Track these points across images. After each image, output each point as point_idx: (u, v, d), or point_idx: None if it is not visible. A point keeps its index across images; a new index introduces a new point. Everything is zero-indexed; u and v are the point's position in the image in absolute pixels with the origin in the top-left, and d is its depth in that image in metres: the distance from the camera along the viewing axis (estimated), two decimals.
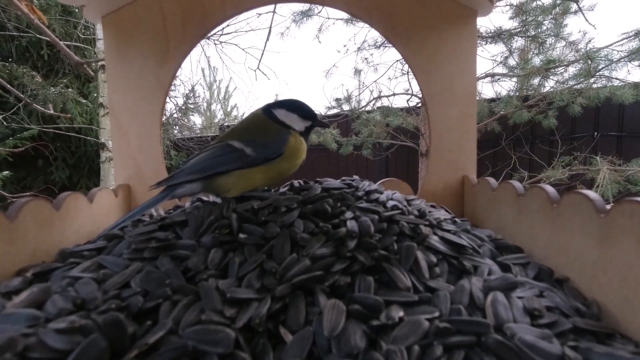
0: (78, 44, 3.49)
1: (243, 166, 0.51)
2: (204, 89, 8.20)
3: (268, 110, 0.56)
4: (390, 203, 0.49)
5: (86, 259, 0.41)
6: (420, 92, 0.77)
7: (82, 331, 0.28)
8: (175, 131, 5.13)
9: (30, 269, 0.40)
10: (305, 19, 3.50)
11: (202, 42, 3.88)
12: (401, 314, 0.31)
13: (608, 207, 0.37)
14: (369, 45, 3.62)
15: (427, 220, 0.46)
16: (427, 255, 0.40)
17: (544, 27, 3.09)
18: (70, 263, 0.41)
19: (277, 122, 0.54)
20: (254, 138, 0.52)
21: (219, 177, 0.51)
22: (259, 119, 0.55)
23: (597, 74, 2.80)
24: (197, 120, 7.78)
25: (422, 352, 0.28)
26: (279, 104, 0.56)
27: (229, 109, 8.60)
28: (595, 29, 2.97)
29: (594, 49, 2.77)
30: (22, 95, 2.53)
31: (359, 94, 3.78)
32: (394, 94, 3.63)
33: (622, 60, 2.69)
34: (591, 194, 0.39)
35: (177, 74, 0.70)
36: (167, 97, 0.71)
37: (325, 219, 0.43)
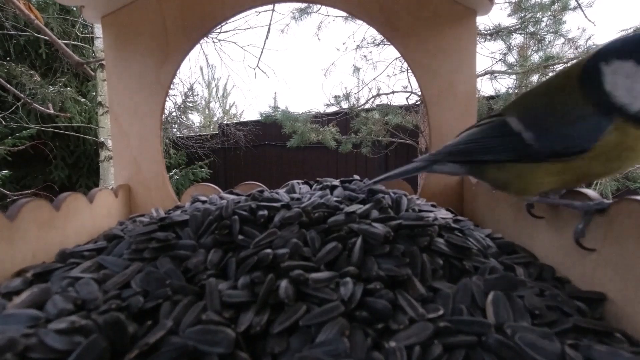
0: (76, 43, 3.47)
1: (518, 159, 0.36)
2: (202, 87, 8.19)
3: (592, 65, 0.32)
4: (394, 198, 0.49)
5: (86, 259, 0.41)
6: (419, 90, 0.77)
7: (83, 331, 0.28)
8: (174, 130, 5.12)
9: (30, 270, 0.40)
10: (304, 16, 3.49)
11: (201, 40, 3.87)
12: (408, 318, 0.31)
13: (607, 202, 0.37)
14: (367, 43, 3.62)
15: (434, 223, 0.45)
16: (433, 258, 0.40)
17: (543, 24, 3.09)
18: (70, 263, 0.41)
19: (593, 94, 0.32)
20: (543, 117, 0.35)
21: (489, 166, 0.39)
22: (567, 82, 0.34)
23: None
24: (195, 118, 7.76)
25: (423, 351, 0.29)
26: (624, 49, 0.31)
27: (227, 107, 8.59)
28: (594, 25, 2.97)
29: (594, 46, 2.77)
30: (20, 95, 2.52)
31: (358, 92, 3.78)
32: (393, 92, 3.63)
33: None
34: (590, 192, 0.39)
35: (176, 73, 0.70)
36: (167, 97, 0.71)
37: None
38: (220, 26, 3.82)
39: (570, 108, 0.33)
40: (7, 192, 2.35)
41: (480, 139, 0.39)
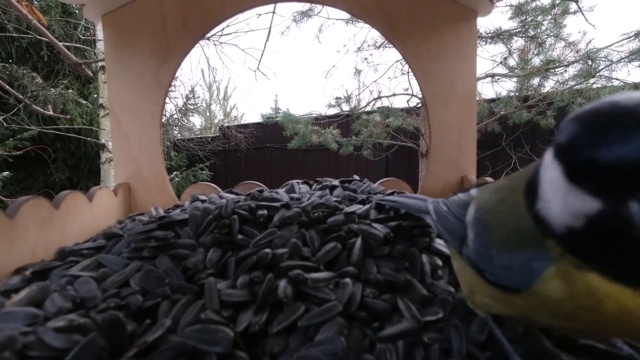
0: (78, 45, 3.49)
1: (459, 251, 0.28)
2: (203, 89, 8.22)
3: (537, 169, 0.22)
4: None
5: (85, 257, 0.41)
6: (420, 92, 0.77)
7: (81, 330, 0.28)
8: (175, 132, 5.13)
9: (29, 268, 0.39)
10: (305, 18, 3.50)
11: (202, 42, 3.89)
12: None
13: None
14: (368, 46, 3.62)
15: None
16: (432, 259, 0.40)
17: (544, 28, 3.09)
18: (69, 262, 0.41)
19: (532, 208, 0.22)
20: (490, 222, 0.26)
21: (452, 247, 0.31)
22: (516, 185, 0.24)
23: (597, 74, 2.80)
24: (196, 121, 7.79)
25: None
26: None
27: (228, 110, 8.61)
28: (595, 28, 2.98)
29: (594, 49, 2.77)
30: (21, 97, 2.53)
31: (359, 94, 3.78)
32: (394, 94, 3.63)
33: (622, 60, 2.69)
34: None
35: (176, 75, 0.70)
36: (167, 98, 0.71)
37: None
38: (221, 29, 3.84)
39: (515, 228, 0.23)
40: (4, 199, 2.32)
41: (447, 212, 0.32)
